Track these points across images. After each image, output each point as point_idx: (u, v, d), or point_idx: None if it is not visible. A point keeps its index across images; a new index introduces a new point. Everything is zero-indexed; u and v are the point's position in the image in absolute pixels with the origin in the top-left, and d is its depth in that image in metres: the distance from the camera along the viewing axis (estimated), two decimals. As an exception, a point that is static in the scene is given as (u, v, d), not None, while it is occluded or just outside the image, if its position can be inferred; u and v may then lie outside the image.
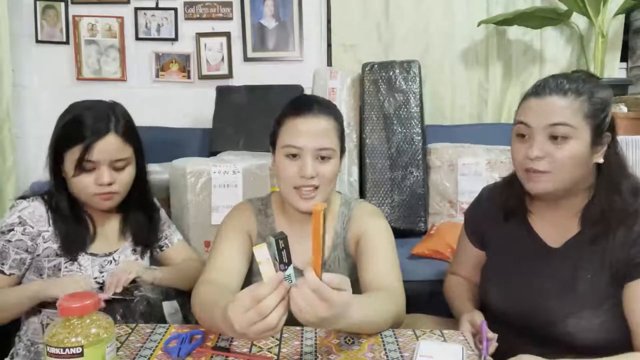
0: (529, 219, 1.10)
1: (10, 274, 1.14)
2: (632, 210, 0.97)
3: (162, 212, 1.39)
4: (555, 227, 1.06)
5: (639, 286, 0.94)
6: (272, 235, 0.77)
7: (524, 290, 1.06)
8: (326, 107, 1.09)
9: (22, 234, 1.14)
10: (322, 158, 1.05)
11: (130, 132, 1.18)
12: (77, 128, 1.12)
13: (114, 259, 1.22)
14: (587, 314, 0.97)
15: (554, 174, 0.97)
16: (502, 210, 1.13)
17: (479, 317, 1.06)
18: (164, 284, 1.22)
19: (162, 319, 1.16)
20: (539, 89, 1.00)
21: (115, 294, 1.10)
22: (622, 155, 1.02)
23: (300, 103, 1.09)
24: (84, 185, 1.14)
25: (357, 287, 1.12)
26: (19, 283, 1.17)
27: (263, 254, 0.75)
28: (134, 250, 1.27)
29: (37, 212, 1.17)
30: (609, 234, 0.98)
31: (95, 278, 1.18)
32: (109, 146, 1.13)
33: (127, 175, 1.18)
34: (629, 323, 0.95)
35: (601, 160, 0.99)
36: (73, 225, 1.18)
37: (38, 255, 1.16)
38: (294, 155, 1.04)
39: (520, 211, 1.10)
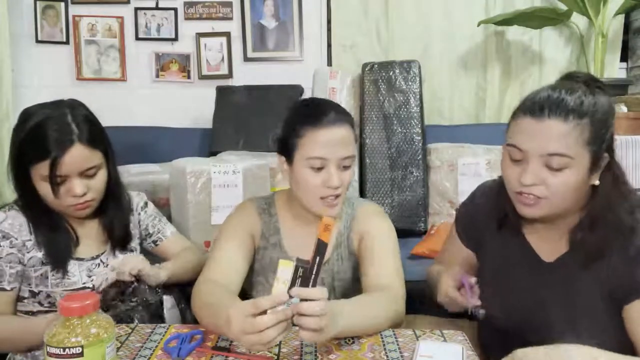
0: (524, 230, 1.05)
1: (12, 289, 1.10)
2: (628, 228, 0.92)
3: (151, 206, 1.37)
4: (548, 242, 1.02)
5: None
6: (297, 259, 0.79)
7: (518, 301, 1.03)
8: (343, 115, 1.09)
9: (10, 247, 1.09)
10: (344, 167, 1.06)
11: (96, 137, 1.11)
12: (38, 143, 1.05)
13: (101, 261, 1.20)
14: (580, 328, 0.95)
15: (547, 199, 0.91)
16: (496, 219, 1.08)
17: (458, 272, 1.02)
18: (172, 281, 1.20)
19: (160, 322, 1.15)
20: (536, 109, 0.89)
21: (113, 299, 1.09)
22: (618, 173, 0.96)
23: (319, 113, 1.07)
24: (57, 198, 1.09)
25: (359, 286, 1.12)
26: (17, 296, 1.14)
27: (285, 273, 0.78)
28: (122, 250, 1.24)
29: (16, 222, 1.11)
30: (604, 252, 0.93)
31: (84, 283, 1.15)
32: (76, 158, 1.06)
33: (100, 180, 1.13)
34: (635, 343, 0.91)
35: (597, 183, 0.93)
36: (55, 234, 1.13)
37: (24, 265, 1.12)
38: (318, 167, 1.05)
39: (514, 222, 1.05)
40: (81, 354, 0.69)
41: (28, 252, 1.12)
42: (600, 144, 0.90)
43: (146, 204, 1.36)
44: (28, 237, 1.12)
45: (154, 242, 1.34)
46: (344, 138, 1.06)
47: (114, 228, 1.22)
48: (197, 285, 1.03)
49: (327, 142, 1.03)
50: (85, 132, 1.08)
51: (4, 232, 1.10)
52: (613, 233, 0.92)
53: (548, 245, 1.02)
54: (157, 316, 1.16)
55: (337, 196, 1.06)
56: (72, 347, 0.69)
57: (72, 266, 1.15)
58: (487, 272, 1.12)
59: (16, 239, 1.10)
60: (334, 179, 1.04)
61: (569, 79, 0.98)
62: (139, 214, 1.33)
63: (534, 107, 0.90)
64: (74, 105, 1.12)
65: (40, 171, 1.06)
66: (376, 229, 1.13)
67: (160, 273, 1.16)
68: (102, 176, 1.14)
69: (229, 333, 0.80)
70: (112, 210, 1.22)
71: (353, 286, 1.15)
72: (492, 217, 1.09)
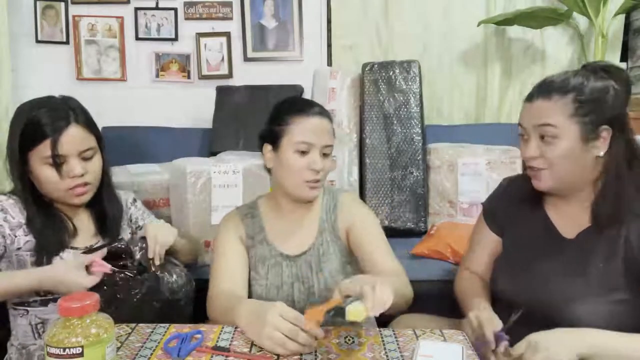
0: (546, 209, 1.13)
1: None
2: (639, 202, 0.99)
3: (139, 202, 1.42)
4: (569, 219, 1.08)
5: None
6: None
7: (534, 277, 1.07)
8: (324, 110, 1.22)
9: (4, 221, 1.15)
10: (324, 155, 1.17)
11: (90, 121, 1.20)
12: (38, 127, 1.12)
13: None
14: (594, 300, 0.98)
15: (550, 170, 1.03)
16: (521, 199, 1.16)
17: (498, 323, 0.99)
18: (177, 246, 1.28)
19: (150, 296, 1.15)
20: (530, 94, 1.07)
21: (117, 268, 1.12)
22: (631, 148, 1.02)
23: (305, 105, 1.21)
24: (56, 181, 1.14)
25: (348, 269, 1.22)
26: None
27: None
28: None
29: (17, 205, 1.17)
30: (622, 226, 1.00)
31: None
32: (75, 137, 1.15)
33: (97, 164, 1.20)
34: None
35: (601, 154, 1.01)
36: (49, 226, 1.17)
37: (19, 248, 1.15)
38: (303, 151, 1.15)
39: (537, 201, 1.14)
40: (81, 354, 0.69)
41: (25, 236, 1.16)
42: (589, 117, 0.99)
43: (135, 200, 1.41)
44: (24, 220, 1.17)
45: None
46: (327, 128, 1.18)
47: (107, 218, 1.26)
48: (212, 300, 1.12)
49: (314, 129, 1.15)
50: (80, 115, 1.17)
51: (3, 207, 1.16)
52: (628, 206, 1.00)
53: (569, 222, 1.08)
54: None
55: (317, 180, 1.17)
56: (72, 347, 0.69)
57: (68, 255, 1.17)
58: (507, 253, 1.18)
59: (13, 217, 1.16)
60: (318, 162, 1.15)
61: (583, 69, 1.08)
62: (130, 208, 1.37)
63: (530, 93, 1.08)
64: (67, 97, 1.22)
65: (41, 154, 1.12)
66: (363, 220, 1.22)
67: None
68: (98, 160, 1.21)
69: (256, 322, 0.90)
70: (105, 200, 1.27)
71: (341, 268, 1.21)
72: (517, 198, 1.18)
